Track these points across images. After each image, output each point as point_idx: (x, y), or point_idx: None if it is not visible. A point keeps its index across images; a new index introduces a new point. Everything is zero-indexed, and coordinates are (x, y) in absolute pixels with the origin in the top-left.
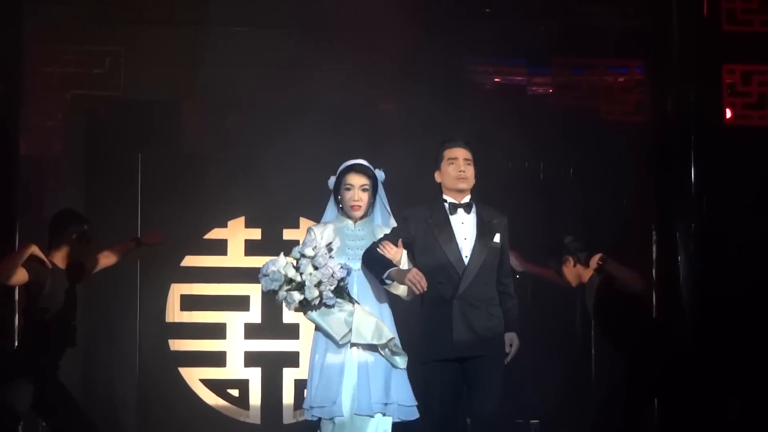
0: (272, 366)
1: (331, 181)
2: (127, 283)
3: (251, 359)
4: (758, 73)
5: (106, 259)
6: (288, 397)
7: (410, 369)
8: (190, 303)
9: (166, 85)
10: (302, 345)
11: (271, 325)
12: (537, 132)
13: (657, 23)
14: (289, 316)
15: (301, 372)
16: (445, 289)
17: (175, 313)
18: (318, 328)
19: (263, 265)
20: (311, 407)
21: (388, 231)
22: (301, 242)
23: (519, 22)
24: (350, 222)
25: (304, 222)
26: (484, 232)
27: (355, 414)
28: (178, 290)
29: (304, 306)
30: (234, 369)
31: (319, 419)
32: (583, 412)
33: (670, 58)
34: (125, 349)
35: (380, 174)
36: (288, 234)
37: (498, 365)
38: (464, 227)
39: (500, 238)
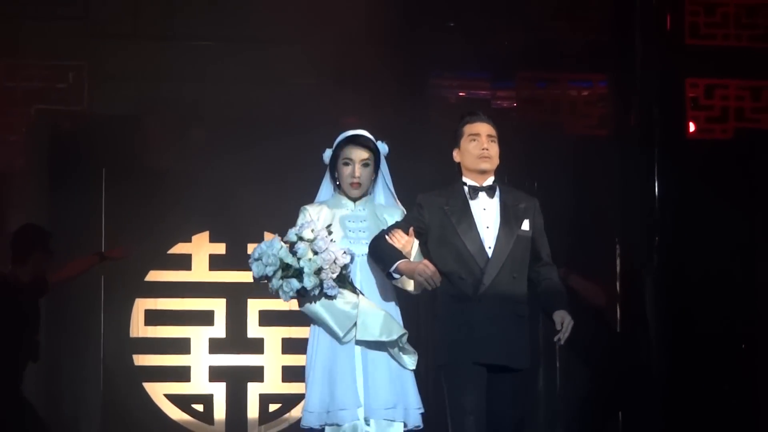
0: (237, 381)
1: (327, 154)
2: (91, 298)
3: (216, 374)
4: (721, 87)
5: (69, 273)
6: (253, 411)
7: (418, 373)
8: (154, 318)
9: (130, 100)
10: (267, 360)
11: (236, 339)
12: (501, 146)
13: (620, 37)
14: (253, 330)
15: (266, 387)
16: (467, 286)
17: (139, 328)
18: (317, 322)
19: (254, 249)
20: (311, 412)
21: (392, 212)
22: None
23: (483, 36)
24: (349, 201)
25: (269, 237)
26: (508, 218)
27: (365, 418)
28: (142, 305)
29: (302, 296)
30: (198, 384)
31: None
32: (547, 425)
33: (633, 72)
34: (89, 364)
35: (383, 147)
36: (252, 248)
37: (521, 383)
38: (486, 214)
39: (530, 225)
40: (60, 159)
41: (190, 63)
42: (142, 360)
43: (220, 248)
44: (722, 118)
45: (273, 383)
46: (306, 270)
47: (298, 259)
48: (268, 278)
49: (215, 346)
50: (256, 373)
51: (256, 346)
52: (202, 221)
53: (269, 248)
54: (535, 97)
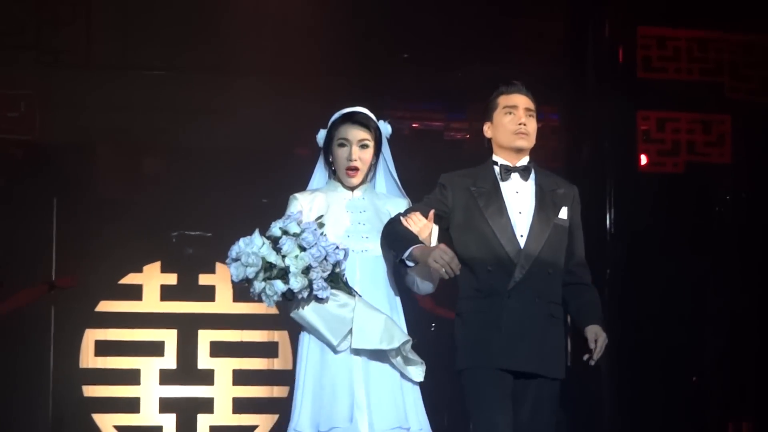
0: (187, 412)
1: (321, 135)
2: (41, 328)
3: (166, 405)
4: (672, 120)
5: (18, 302)
6: None
7: (427, 383)
8: (104, 348)
9: (82, 129)
10: (217, 391)
11: (186, 371)
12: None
13: (572, 70)
14: (204, 361)
15: (216, 418)
16: (495, 279)
17: (89, 359)
18: (307, 329)
19: (231, 247)
20: None
21: (396, 202)
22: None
23: (437, 67)
24: (346, 189)
25: (221, 267)
26: (545, 204)
27: None
28: (92, 335)
29: (288, 299)
30: (148, 415)
31: None
32: None
33: (585, 105)
34: (38, 395)
35: (385, 127)
36: (204, 279)
37: (553, 394)
38: (519, 198)
39: (568, 214)
40: (10, 188)
41: (142, 92)
42: (91, 391)
43: (172, 279)
44: (674, 152)
45: (223, 415)
46: (292, 269)
47: (283, 256)
48: (249, 281)
49: (166, 377)
50: (207, 405)
51: (207, 377)
52: (153, 251)
53: (249, 246)
54: None
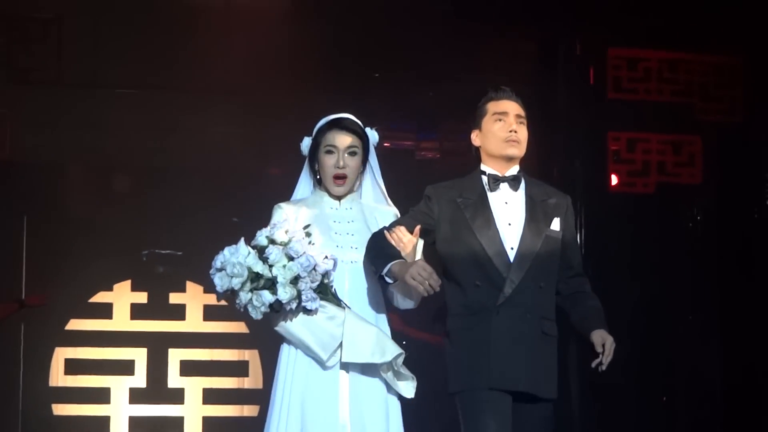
0: (157, 431)
1: (306, 143)
2: (11, 346)
3: (136, 424)
4: (642, 141)
5: None
6: None
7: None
8: (74, 367)
9: (53, 148)
10: (187, 410)
11: (156, 389)
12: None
13: (543, 91)
14: (174, 380)
15: None
16: (484, 294)
17: (59, 377)
18: (293, 343)
19: (216, 257)
20: None
21: (383, 213)
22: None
23: (408, 87)
24: (333, 199)
25: (191, 286)
26: (536, 215)
27: None
28: (62, 354)
29: (276, 311)
30: None
31: None
32: None
33: (556, 125)
34: (8, 414)
35: (373, 135)
36: (174, 298)
37: (547, 415)
38: (508, 209)
39: (561, 225)
40: None
41: (113, 111)
42: (61, 410)
43: (142, 297)
44: (644, 172)
45: None
46: (280, 279)
47: (270, 266)
48: (235, 292)
49: (135, 395)
50: (177, 424)
51: (177, 396)
52: (123, 270)
53: (234, 255)
54: (459, 149)
